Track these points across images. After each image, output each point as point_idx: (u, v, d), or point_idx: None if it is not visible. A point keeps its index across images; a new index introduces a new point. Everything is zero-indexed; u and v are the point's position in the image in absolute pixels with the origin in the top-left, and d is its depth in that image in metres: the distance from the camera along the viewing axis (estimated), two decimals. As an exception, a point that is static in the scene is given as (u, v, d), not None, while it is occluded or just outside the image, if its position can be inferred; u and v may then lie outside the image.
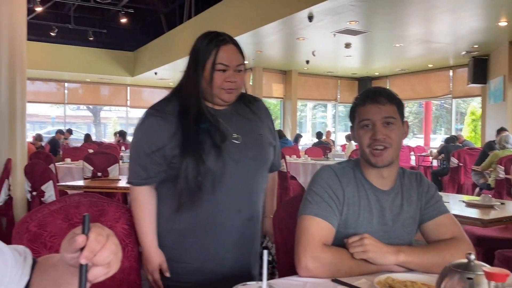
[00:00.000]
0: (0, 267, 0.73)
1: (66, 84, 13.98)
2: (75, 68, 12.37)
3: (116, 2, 11.16)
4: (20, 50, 4.45)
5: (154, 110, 1.42)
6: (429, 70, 11.44)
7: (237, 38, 1.45)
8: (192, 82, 1.40)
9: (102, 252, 0.63)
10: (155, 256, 1.41)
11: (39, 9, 10.09)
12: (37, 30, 11.42)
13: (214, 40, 1.39)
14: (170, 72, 12.14)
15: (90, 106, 16.20)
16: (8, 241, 0.86)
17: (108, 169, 4.83)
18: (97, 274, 0.64)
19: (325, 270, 1.19)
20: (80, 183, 4.07)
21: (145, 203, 1.42)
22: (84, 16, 12.77)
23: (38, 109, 14.90)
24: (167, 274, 1.41)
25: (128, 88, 14.91)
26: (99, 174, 4.80)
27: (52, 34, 11.78)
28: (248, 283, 0.67)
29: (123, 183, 3.79)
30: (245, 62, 1.44)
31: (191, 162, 1.33)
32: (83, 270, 0.61)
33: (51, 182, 3.28)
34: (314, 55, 9.63)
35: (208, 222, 1.39)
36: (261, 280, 0.64)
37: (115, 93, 14.97)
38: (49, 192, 3.25)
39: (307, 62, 10.46)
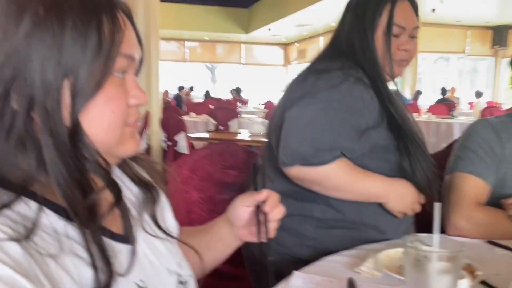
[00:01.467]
0: None
1: (186, 43, 14.77)
2: (194, 27, 12.95)
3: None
4: (153, 11, 4.79)
5: (352, 77, 1.09)
6: None
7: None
8: (367, 46, 1.13)
9: (277, 209, 0.71)
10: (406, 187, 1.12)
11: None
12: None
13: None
14: (283, 28, 12.09)
15: (208, 64, 16.98)
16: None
17: (229, 123, 5.08)
18: (270, 228, 0.71)
19: (478, 231, 1.11)
20: (205, 135, 4.37)
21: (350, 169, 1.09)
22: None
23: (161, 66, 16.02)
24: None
25: (242, 45, 15.25)
26: (221, 127, 5.08)
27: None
28: (418, 234, 0.65)
29: (243, 136, 4.06)
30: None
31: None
32: (266, 218, 0.70)
33: (183, 133, 3.55)
34: (442, 2, 8.75)
35: None
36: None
37: (230, 51, 15.43)
38: (181, 142, 3.52)
39: (433, 10, 9.56)
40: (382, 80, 1.13)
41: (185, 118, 6.00)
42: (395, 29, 1.13)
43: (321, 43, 12.39)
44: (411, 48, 1.16)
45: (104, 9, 0.51)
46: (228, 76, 17.02)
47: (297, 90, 1.15)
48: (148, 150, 4.29)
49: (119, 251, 0.55)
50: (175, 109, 6.17)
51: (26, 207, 0.47)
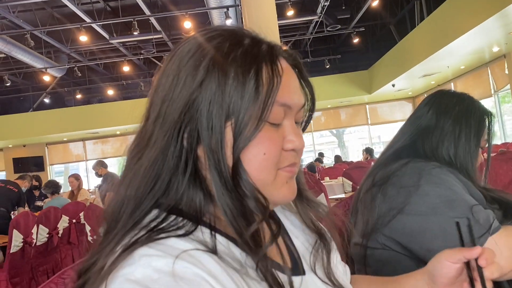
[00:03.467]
0: None
1: (310, 114, 15.20)
2: (316, 97, 13.32)
3: (346, 26, 11.66)
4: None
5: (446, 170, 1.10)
6: None
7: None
8: (468, 152, 1.15)
9: (493, 266, 0.64)
10: None
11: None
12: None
13: (486, 111, 1.20)
14: (408, 81, 11.75)
15: (333, 131, 17.10)
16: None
17: (367, 182, 4.94)
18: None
19: None
20: (343, 196, 4.30)
21: None
22: (319, 48, 13.80)
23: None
24: None
25: (367, 106, 15.15)
26: (358, 187, 4.95)
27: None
28: None
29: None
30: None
31: None
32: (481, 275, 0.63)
33: (322, 194, 3.56)
34: None
35: None
36: None
37: (355, 114, 15.41)
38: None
39: None
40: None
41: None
42: (483, 143, 1.18)
43: (452, 88, 11.66)
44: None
45: (265, 59, 0.55)
46: (355, 139, 16.84)
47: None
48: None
49: (287, 282, 0.56)
50: (310, 175, 6.25)
51: (205, 235, 0.53)
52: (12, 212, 5.18)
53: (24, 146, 14.31)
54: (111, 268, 0.47)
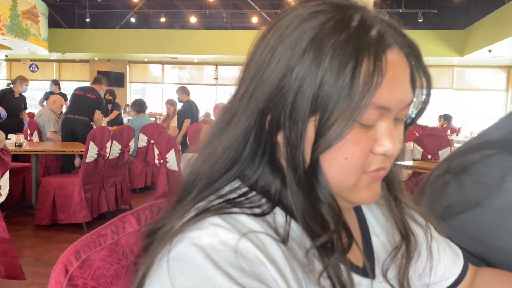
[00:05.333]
0: None
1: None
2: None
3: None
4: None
5: None
6: None
7: None
8: None
9: None
10: None
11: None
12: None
13: None
14: (508, 49, 10.64)
15: (413, 90, 16.19)
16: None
17: (439, 152, 4.69)
18: None
19: None
20: (410, 163, 4.11)
21: None
22: (414, -2, 12.75)
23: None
24: None
25: (455, 69, 14.06)
26: (429, 156, 4.72)
27: (383, 20, 12.34)
28: None
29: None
30: None
31: None
32: None
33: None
34: None
35: None
36: None
37: (440, 75, 14.41)
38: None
39: None
40: None
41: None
42: None
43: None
44: None
45: (368, 51, 0.47)
46: (436, 102, 15.86)
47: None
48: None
49: (358, 283, 0.53)
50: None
51: (280, 219, 0.51)
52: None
53: (108, 61, 15.08)
54: (179, 230, 0.48)
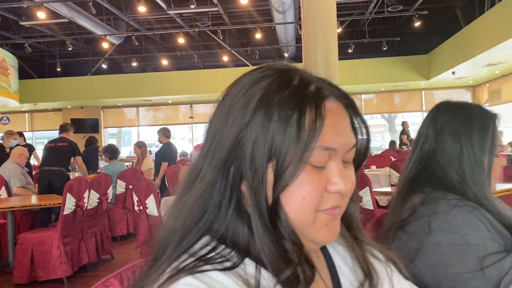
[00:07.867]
0: None
1: (362, 96, 14.82)
2: (369, 80, 12.95)
3: (408, 7, 11.10)
4: (333, 72, 5.00)
5: (469, 206, 1.00)
6: None
7: None
8: (476, 168, 1.05)
9: None
10: None
11: (338, 30, 11.10)
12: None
13: (490, 114, 1.10)
14: (470, 70, 11.11)
15: (385, 115, 16.59)
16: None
17: (415, 175, 4.78)
18: None
19: None
20: (388, 189, 4.18)
21: None
22: (377, 28, 13.27)
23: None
24: None
25: (423, 92, 14.55)
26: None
27: (349, 51, 12.74)
28: None
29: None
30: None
31: None
32: None
33: (367, 187, 3.49)
34: None
35: None
36: None
37: (409, 99, 14.85)
38: (366, 197, 3.45)
39: None
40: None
41: (366, 172, 5.89)
42: (497, 149, 1.06)
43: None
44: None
45: (310, 102, 0.54)
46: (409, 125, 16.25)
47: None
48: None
49: None
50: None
51: (250, 269, 0.54)
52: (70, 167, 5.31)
53: (82, 108, 15.00)
54: None
